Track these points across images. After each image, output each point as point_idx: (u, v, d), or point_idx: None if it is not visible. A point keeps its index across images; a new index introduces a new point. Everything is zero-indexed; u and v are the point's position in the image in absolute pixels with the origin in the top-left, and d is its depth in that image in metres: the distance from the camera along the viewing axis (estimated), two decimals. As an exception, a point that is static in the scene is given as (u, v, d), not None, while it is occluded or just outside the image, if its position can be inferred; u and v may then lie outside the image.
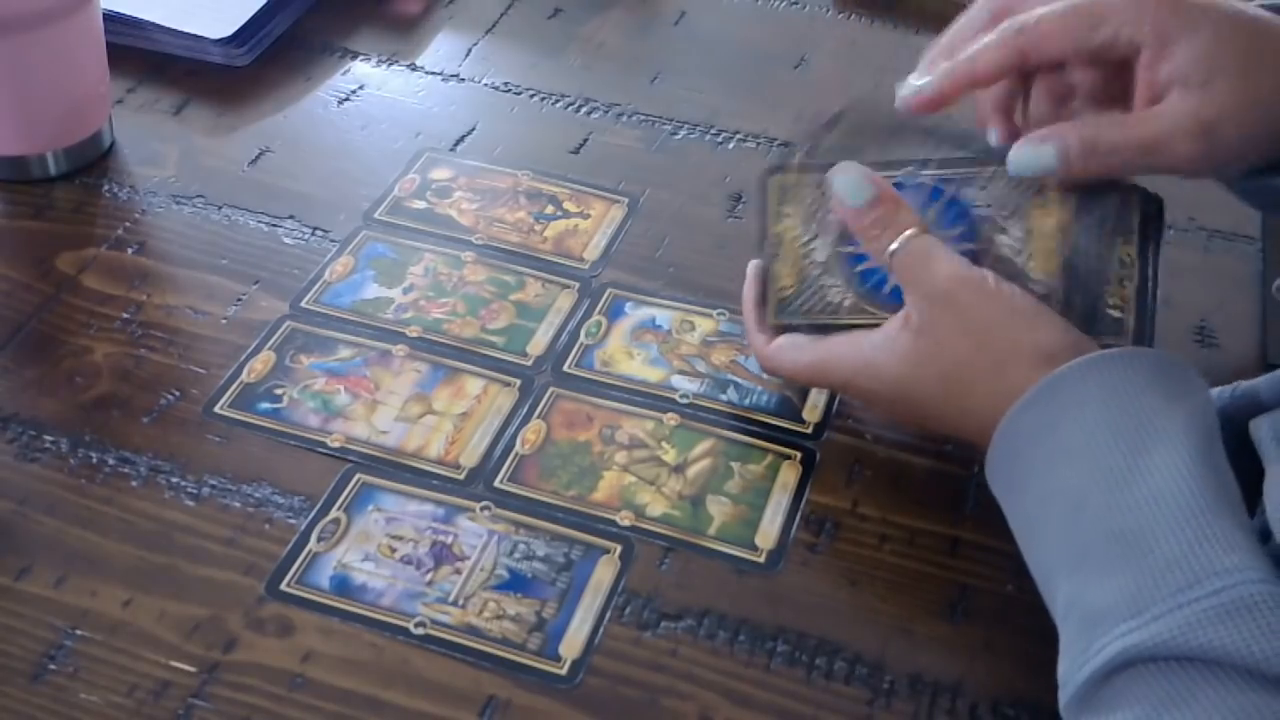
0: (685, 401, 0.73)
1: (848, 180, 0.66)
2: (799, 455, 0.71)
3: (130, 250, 0.81)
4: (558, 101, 0.95)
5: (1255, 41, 0.61)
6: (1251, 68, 0.60)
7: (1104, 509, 0.55)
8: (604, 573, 0.65)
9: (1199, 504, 0.53)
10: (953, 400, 0.63)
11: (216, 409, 0.72)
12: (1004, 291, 0.62)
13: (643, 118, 0.94)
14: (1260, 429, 0.60)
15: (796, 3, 1.07)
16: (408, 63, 0.98)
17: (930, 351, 0.63)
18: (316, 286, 0.79)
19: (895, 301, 0.65)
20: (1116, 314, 0.63)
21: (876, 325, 0.65)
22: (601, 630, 0.63)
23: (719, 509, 0.68)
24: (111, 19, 0.90)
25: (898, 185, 0.66)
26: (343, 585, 0.64)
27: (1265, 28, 0.61)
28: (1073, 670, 0.53)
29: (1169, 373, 0.58)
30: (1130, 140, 0.61)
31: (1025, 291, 0.62)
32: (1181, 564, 0.52)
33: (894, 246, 0.64)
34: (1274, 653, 0.49)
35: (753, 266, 0.71)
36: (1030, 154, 0.62)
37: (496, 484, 0.69)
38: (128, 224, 0.83)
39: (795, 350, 0.68)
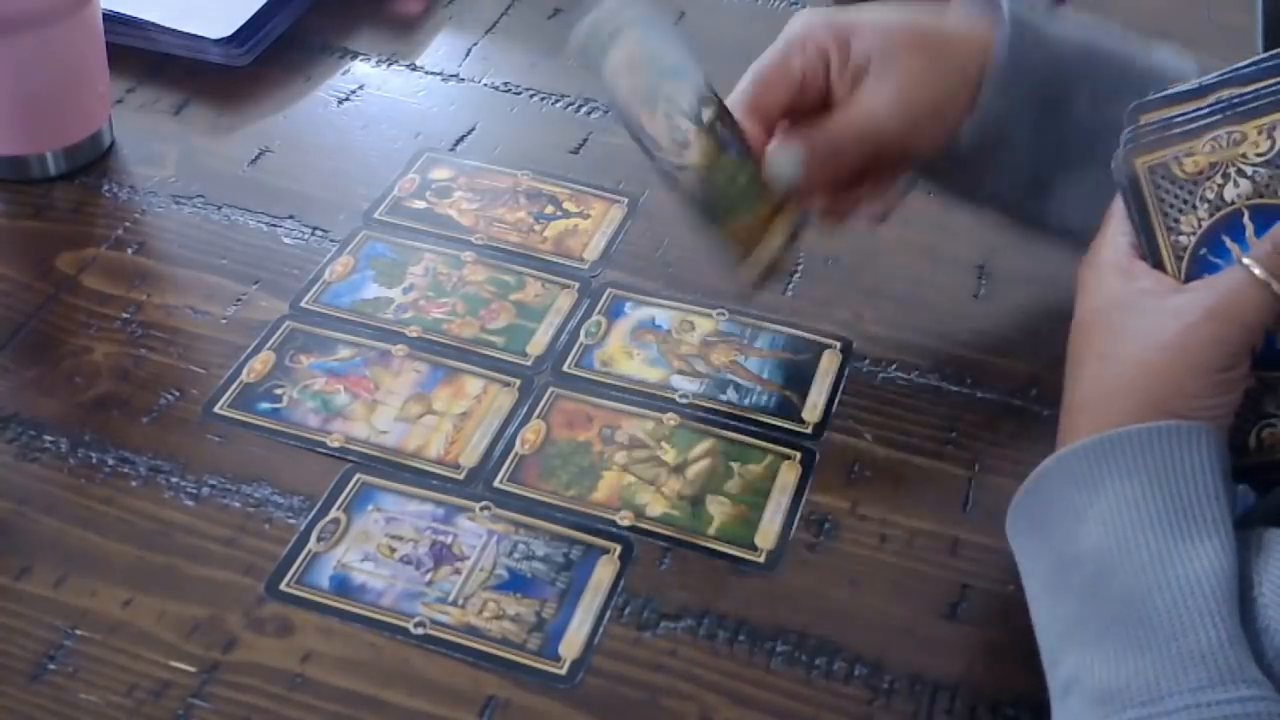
0: (685, 401, 0.73)
1: None
2: (799, 455, 0.71)
3: (130, 250, 0.81)
4: (558, 101, 0.95)
5: (918, 22, 0.68)
6: (921, 44, 0.67)
7: (1133, 584, 0.52)
8: (604, 573, 0.65)
9: (1239, 599, 0.51)
10: (1083, 385, 0.59)
11: (216, 409, 0.72)
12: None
13: (643, 118, 0.94)
14: None
15: (796, 3, 1.07)
16: (408, 63, 0.98)
17: (1111, 334, 0.58)
18: (316, 286, 0.79)
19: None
20: None
21: None
22: (601, 630, 0.63)
23: (719, 509, 0.68)
24: (111, 19, 0.90)
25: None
26: (342, 585, 0.64)
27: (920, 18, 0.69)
28: None
29: None
30: (846, 131, 0.67)
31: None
32: (1207, 660, 0.49)
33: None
34: None
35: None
36: (784, 158, 0.68)
37: (496, 484, 0.69)
38: (128, 224, 0.83)
39: None
